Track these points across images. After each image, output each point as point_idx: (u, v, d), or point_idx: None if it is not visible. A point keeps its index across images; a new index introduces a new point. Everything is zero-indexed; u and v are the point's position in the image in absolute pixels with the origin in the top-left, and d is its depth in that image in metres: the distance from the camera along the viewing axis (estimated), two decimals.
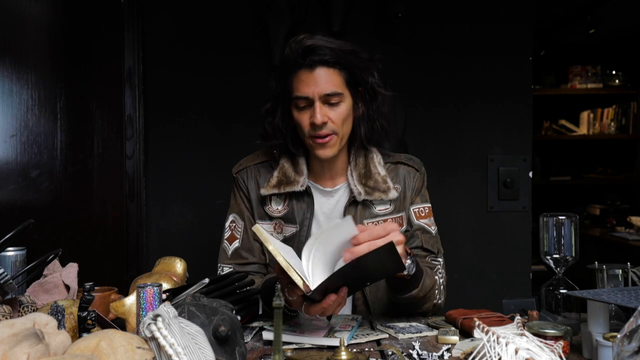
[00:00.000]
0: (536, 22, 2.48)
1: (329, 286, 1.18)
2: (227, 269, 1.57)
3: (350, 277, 1.20)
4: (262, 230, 1.25)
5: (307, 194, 1.54)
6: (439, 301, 1.51)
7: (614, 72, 5.08)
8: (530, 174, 2.43)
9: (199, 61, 2.40)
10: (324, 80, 1.43)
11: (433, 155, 2.39)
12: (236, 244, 1.58)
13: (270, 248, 1.21)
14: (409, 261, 1.32)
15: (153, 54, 2.39)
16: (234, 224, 1.60)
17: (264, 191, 1.55)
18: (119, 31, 2.34)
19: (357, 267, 1.15)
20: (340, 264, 1.18)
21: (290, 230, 1.54)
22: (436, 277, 1.50)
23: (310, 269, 1.21)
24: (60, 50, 2.34)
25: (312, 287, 1.17)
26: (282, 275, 1.22)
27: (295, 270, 1.19)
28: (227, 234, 1.61)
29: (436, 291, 1.48)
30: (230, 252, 1.58)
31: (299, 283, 1.17)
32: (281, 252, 1.20)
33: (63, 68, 2.34)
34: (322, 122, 1.43)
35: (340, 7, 2.33)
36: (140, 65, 2.36)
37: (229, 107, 2.40)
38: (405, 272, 1.31)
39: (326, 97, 1.44)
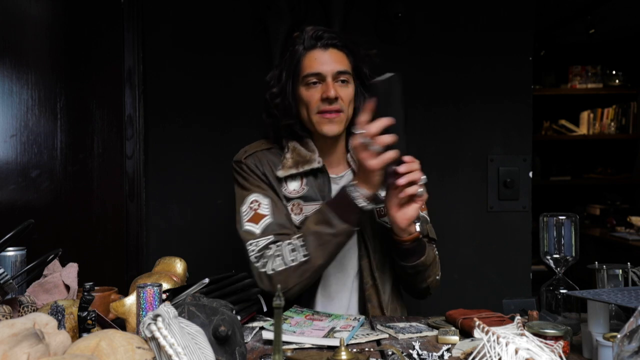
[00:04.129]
0: (536, 22, 2.47)
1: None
2: (263, 242, 1.49)
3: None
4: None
5: (321, 171, 1.58)
6: (438, 276, 1.63)
7: (614, 72, 5.07)
8: (530, 174, 2.43)
9: (199, 61, 2.40)
10: (336, 59, 1.53)
11: (433, 155, 2.39)
12: (267, 219, 1.51)
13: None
14: (417, 224, 1.48)
15: (153, 54, 2.39)
16: (256, 204, 1.53)
17: (281, 172, 1.56)
18: (119, 31, 2.34)
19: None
20: None
21: (312, 208, 1.54)
22: (435, 252, 1.63)
23: None
24: (60, 50, 2.34)
25: None
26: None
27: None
28: (247, 216, 1.53)
29: (437, 265, 1.61)
30: (260, 230, 1.50)
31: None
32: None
33: (63, 68, 2.33)
34: (335, 95, 1.50)
35: (340, 7, 2.33)
36: (140, 65, 2.36)
37: (229, 107, 2.40)
38: (418, 230, 1.49)
39: (338, 75, 1.52)
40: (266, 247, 1.48)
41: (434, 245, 1.67)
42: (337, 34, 1.55)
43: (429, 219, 1.69)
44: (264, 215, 1.51)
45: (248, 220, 1.53)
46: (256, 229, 1.51)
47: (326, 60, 1.51)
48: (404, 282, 1.64)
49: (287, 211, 1.56)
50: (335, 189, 1.59)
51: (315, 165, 1.56)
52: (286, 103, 1.56)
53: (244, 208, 1.55)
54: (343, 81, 1.53)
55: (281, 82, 1.57)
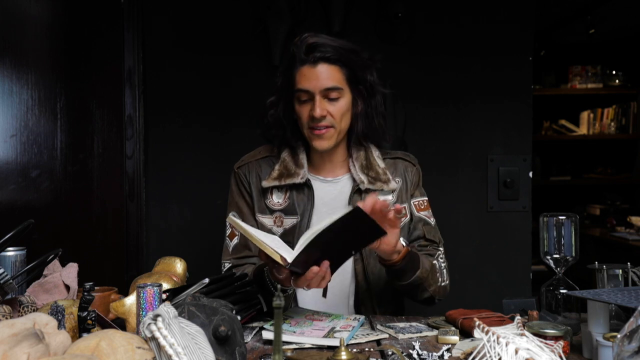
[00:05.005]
0: (536, 22, 2.47)
1: (309, 259, 1.24)
2: (227, 265, 1.62)
3: (328, 247, 1.26)
4: (235, 219, 1.32)
5: (307, 186, 1.59)
6: (444, 283, 1.58)
7: (614, 72, 5.07)
8: (530, 174, 2.43)
9: (199, 61, 2.40)
10: (325, 75, 1.50)
11: (433, 155, 2.39)
12: (235, 240, 1.63)
13: (243, 230, 1.27)
14: (401, 239, 1.41)
15: (153, 54, 2.39)
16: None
17: (265, 183, 1.59)
18: (119, 31, 2.34)
19: (330, 236, 1.22)
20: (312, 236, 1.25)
21: (290, 221, 1.58)
22: (435, 261, 1.57)
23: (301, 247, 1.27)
24: (60, 50, 2.34)
25: (288, 258, 1.23)
26: (267, 259, 1.28)
27: (270, 247, 1.24)
28: (228, 232, 1.66)
29: (437, 274, 1.55)
30: (231, 249, 1.63)
31: (276, 257, 1.23)
32: (256, 235, 1.26)
33: (63, 68, 2.33)
34: (320, 115, 1.50)
35: (340, 7, 2.33)
36: (140, 65, 2.36)
37: (229, 107, 2.40)
38: (404, 244, 1.41)
39: (326, 92, 1.50)
40: (229, 270, 1.61)
41: (440, 250, 1.64)
42: (332, 45, 1.49)
43: (432, 220, 1.67)
44: (235, 235, 1.63)
45: (227, 235, 1.65)
46: (229, 246, 1.63)
47: (314, 77, 1.49)
48: (405, 295, 1.62)
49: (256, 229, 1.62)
50: (328, 192, 1.61)
51: (297, 180, 1.57)
52: (277, 115, 1.59)
53: (227, 222, 1.64)
54: (332, 98, 1.51)
55: (278, 93, 1.60)
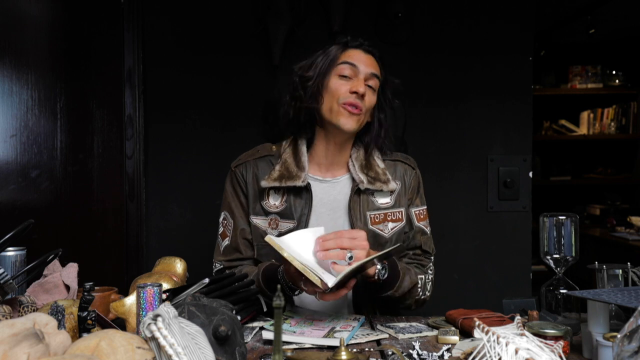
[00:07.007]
0: (536, 22, 2.47)
1: (343, 280, 1.29)
2: (219, 265, 1.63)
3: (360, 270, 1.34)
4: (274, 239, 1.30)
5: (306, 190, 1.58)
6: (423, 297, 1.59)
7: (614, 72, 5.07)
8: (530, 174, 2.43)
9: (199, 61, 2.40)
10: (371, 62, 1.58)
11: (433, 155, 2.39)
12: (226, 241, 1.63)
13: (285, 255, 1.26)
14: (379, 266, 1.40)
15: (153, 54, 2.39)
16: (225, 222, 1.65)
17: (264, 183, 1.57)
18: (119, 31, 2.34)
19: (368, 264, 1.32)
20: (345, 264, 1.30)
21: (286, 225, 1.56)
22: (420, 277, 1.58)
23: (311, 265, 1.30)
24: (60, 50, 2.34)
25: (329, 283, 1.25)
26: (298, 275, 1.30)
27: (312, 272, 1.25)
28: (220, 230, 1.67)
29: (419, 289, 1.57)
30: (222, 249, 1.64)
31: (318, 283, 1.25)
32: (296, 257, 1.26)
33: (63, 68, 2.33)
34: (363, 92, 1.52)
35: (340, 6, 2.33)
36: (140, 65, 2.36)
37: (229, 107, 2.40)
38: (376, 277, 1.40)
39: (370, 77, 1.55)
40: (220, 271, 1.62)
41: (431, 260, 1.67)
42: (373, 47, 1.61)
43: (428, 229, 1.68)
44: (227, 236, 1.64)
45: (220, 234, 1.66)
46: (221, 246, 1.65)
47: (362, 59, 1.56)
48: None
49: (248, 232, 1.61)
50: (328, 192, 1.61)
51: (299, 183, 1.55)
52: (316, 89, 1.55)
53: (220, 220, 1.67)
54: (371, 86, 1.56)
55: (317, 69, 1.56)
